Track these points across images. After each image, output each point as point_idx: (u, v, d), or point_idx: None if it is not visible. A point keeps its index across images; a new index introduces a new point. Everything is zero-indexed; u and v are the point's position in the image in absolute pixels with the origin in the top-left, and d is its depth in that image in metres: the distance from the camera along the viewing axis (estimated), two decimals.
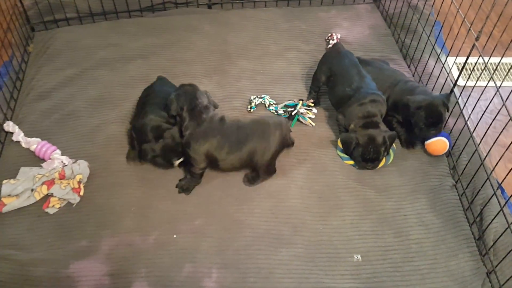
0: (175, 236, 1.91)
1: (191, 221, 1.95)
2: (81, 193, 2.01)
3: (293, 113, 2.32)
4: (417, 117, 2.12)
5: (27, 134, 2.23)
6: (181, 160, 2.05)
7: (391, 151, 2.20)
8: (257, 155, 1.99)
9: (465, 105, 2.23)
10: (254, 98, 2.41)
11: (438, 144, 2.16)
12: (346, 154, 2.17)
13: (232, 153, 1.98)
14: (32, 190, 2.00)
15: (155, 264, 1.82)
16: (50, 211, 1.98)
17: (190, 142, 1.97)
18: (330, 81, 2.31)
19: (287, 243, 1.89)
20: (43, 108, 2.37)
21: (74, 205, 1.99)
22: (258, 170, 2.05)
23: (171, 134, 2.00)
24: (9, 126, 2.25)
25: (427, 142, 2.18)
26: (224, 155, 1.98)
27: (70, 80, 2.52)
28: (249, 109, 2.39)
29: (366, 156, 2.08)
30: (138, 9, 2.93)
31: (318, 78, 2.37)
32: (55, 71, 2.57)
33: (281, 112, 2.36)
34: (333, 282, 1.79)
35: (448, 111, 2.14)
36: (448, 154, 2.23)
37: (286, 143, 2.11)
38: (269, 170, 2.08)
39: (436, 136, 2.14)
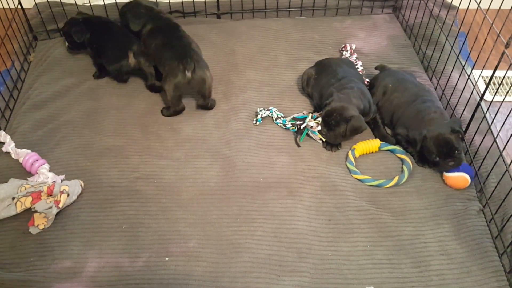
0: (167, 259, 1.76)
1: (185, 243, 1.80)
2: (60, 205, 1.85)
3: (301, 127, 2.14)
4: (427, 150, 1.97)
5: (19, 145, 2.13)
6: None
7: (405, 168, 2.01)
8: None
9: (493, 121, 2.05)
10: (261, 111, 2.25)
11: (458, 180, 1.96)
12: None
13: None
14: (13, 198, 1.87)
15: None
16: (33, 231, 1.84)
17: None
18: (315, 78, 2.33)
19: (291, 271, 1.72)
20: (37, 118, 2.28)
21: (50, 217, 1.83)
22: None
23: None
24: (0, 136, 2.16)
25: (446, 175, 1.98)
26: None
27: (67, 90, 2.43)
28: (255, 122, 2.23)
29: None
30: None
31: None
32: (54, 80, 2.48)
33: (289, 125, 2.20)
34: None
35: (460, 137, 1.97)
36: (475, 175, 2.03)
37: None
38: None
39: (456, 168, 1.95)
